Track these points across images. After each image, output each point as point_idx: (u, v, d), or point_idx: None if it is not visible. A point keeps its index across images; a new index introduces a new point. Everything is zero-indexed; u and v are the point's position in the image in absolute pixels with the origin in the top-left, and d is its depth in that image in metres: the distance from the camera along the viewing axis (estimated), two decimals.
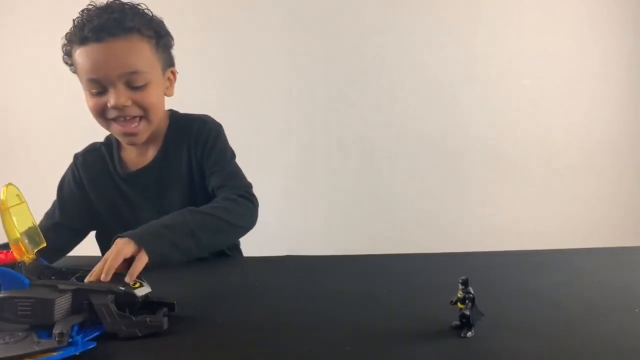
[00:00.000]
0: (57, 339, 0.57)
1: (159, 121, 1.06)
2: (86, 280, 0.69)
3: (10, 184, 0.66)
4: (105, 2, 0.97)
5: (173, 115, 1.14)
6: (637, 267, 1.00)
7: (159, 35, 1.01)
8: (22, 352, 0.55)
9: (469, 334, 0.62)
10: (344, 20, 2.15)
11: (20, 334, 0.59)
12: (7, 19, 2.14)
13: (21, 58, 2.12)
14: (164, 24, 1.03)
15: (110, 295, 0.64)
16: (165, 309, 0.68)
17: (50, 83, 1.97)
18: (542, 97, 2.21)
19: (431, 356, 0.59)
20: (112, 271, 0.71)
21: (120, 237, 0.79)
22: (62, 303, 0.62)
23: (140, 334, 0.63)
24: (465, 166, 2.21)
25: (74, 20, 0.96)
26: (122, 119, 0.97)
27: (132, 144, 1.05)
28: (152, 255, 0.77)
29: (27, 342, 0.58)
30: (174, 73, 1.07)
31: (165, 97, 1.08)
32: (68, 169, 1.15)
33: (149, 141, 1.08)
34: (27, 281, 0.63)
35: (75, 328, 0.61)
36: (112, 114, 0.97)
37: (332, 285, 0.88)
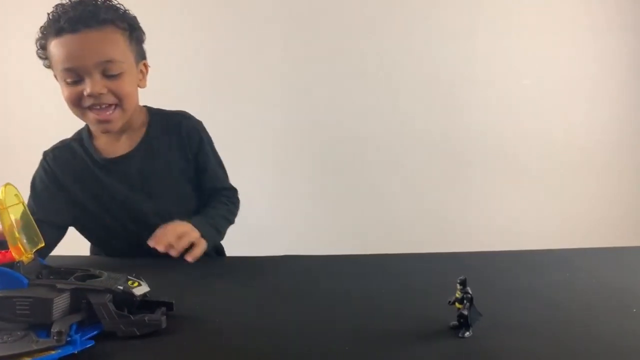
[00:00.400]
0: (55, 337, 0.57)
1: (133, 111, 1.09)
2: (151, 243, 0.93)
3: (8, 183, 0.66)
4: None
5: (150, 110, 1.17)
6: (637, 267, 1.00)
7: (132, 28, 1.05)
8: (21, 350, 0.55)
9: (467, 334, 0.62)
10: (344, 20, 2.15)
11: (19, 333, 0.59)
12: (8, 19, 2.14)
13: (22, 58, 2.12)
14: (136, 19, 1.07)
15: (108, 295, 0.64)
16: (163, 309, 0.68)
17: (51, 83, 1.97)
18: (542, 97, 2.20)
19: (430, 356, 0.58)
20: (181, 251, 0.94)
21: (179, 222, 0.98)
22: (61, 302, 0.62)
23: (138, 333, 0.63)
24: (465, 166, 2.21)
25: (48, 14, 0.99)
26: (98, 107, 1.00)
27: (106, 132, 1.08)
28: (209, 244, 1.01)
29: (25, 341, 0.58)
30: (146, 66, 1.11)
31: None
32: (39, 166, 1.14)
33: (123, 131, 1.10)
34: (25, 281, 0.63)
35: (74, 327, 0.61)
36: (87, 102, 1.00)
37: (331, 285, 0.88)
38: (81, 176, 1.11)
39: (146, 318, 0.64)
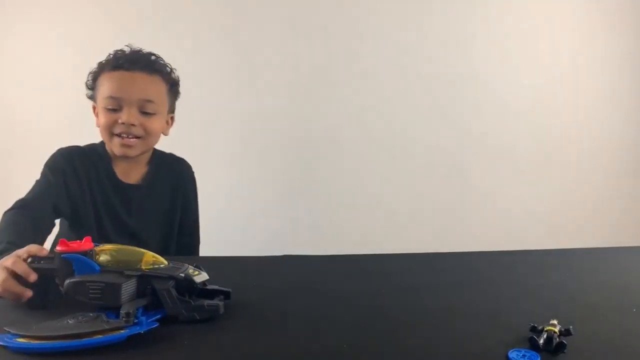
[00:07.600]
0: (124, 318, 0.62)
1: (149, 149, 1.23)
2: None
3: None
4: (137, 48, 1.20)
5: (155, 151, 1.29)
6: (637, 267, 1.00)
7: (173, 84, 1.24)
8: (93, 329, 0.60)
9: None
10: (343, 20, 2.15)
11: (91, 314, 0.65)
12: (9, 19, 2.14)
13: (23, 58, 2.13)
14: (179, 80, 1.27)
15: (171, 281, 0.68)
16: (221, 296, 0.73)
17: (52, 84, 1.97)
18: (542, 97, 2.20)
19: (430, 355, 0.59)
20: None
21: None
22: (128, 287, 0.67)
23: (198, 318, 0.68)
24: (465, 166, 2.21)
25: (109, 54, 1.18)
26: (125, 135, 1.14)
27: (124, 156, 1.18)
28: None
29: (97, 321, 0.63)
30: (173, 119, 1.28)
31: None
32: (58, 156, 1.19)
33: (134, 163, 1.23)
34: (97, 267, 0.68)
35: (140, 310, 0.65)
36: (118, 129, 1.14)
37: (332, 285, 0.88)
38: (93, 183, 1.20)
39: (205, 304, 0.68)
